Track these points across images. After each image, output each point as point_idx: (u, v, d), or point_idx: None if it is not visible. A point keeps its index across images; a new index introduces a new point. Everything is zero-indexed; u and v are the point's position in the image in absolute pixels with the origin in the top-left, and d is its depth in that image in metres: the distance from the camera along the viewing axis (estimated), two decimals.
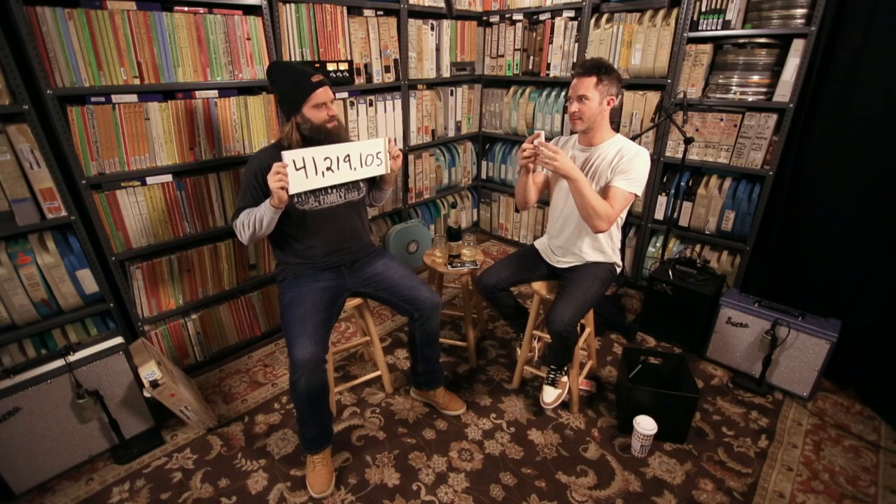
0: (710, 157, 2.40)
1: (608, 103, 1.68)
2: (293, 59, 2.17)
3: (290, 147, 1.58)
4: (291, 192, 1.48)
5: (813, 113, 2.07)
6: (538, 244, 2.04)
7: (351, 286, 1.76)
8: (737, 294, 2.17)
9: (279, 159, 1.45)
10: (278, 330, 2.46)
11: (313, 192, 1.64)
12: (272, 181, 1.43)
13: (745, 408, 1.97)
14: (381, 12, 2.51)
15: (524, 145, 1.67)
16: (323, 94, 1.59)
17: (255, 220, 1.53)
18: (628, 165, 1.66)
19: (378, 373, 2.02)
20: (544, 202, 3.20)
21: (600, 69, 1.64)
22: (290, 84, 1.59)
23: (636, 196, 1.69)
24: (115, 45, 1.67)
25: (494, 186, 3.51)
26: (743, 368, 2.14)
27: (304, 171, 1.50)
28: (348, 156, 1.59)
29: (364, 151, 1.63)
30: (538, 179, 2.00)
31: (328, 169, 1.56)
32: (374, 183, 1.88)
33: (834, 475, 1.67)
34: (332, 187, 1.67)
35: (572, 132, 1.83)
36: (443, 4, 2.76)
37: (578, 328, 1.84)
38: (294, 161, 1.47)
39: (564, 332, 1.68)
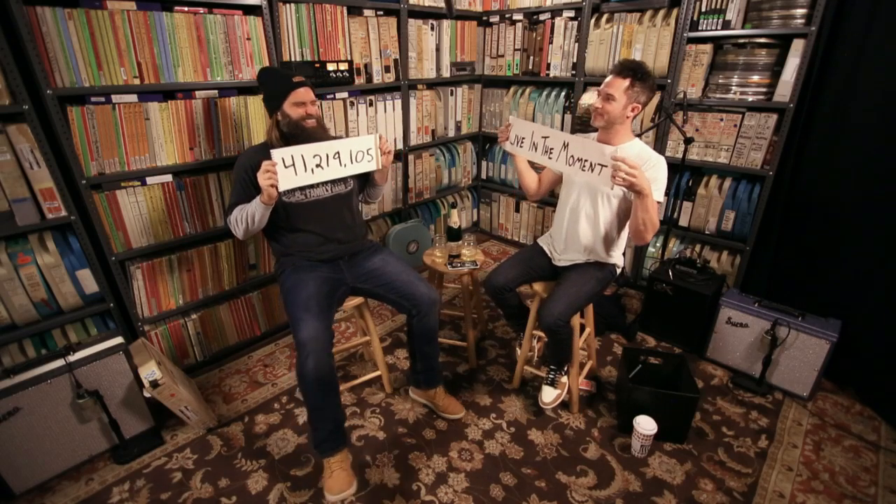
0: (710, 157, 2.40)
1: (633, 110, 1.65)
2: (293, 59, 2.17)
3: (272, 144, 1.64)
4: (281, 188, 1.51)
5: (813, 113, 2.07)
6: (542, 242, 2.03)
7: (349, 281, 1.77)
8: (737, 294, 2.17)
9: (267, 156, 1.48)
10: (278, 330, 2.46)
11: (300, 186, 1.67)
12: (261, 179, 1.47)
13: (745, 408, 1.97)
14: (381, 12, 2.51)
15: (500, 130, 1.84)
16: (303, 93, 1.67)
17: (247, 216, 1.59)
18: (655, 174, 1.63)
19: (378, 373, 2.02)
20: (544, 202, 3.20)
21: (636, 73, 1.61)
22: (273, 84, 1.69)
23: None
24: (115, 45, 1.67)
25: (494, 186, 3.51)
26: (743, 368, 2.14)
27: (294, 169, 1.52)
28: (338, 153, 1.62)
29: (354, 148, 1.65)
30: (546, 175, 1.99)
31: (317, 166, 1.58)
32: (367, 180, 1.90)
33: (834, 475, 1.67)
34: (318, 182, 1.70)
35: (591, 128, 1.82)
36: (443, 4, 2.76)
37: (578, 328, 1.84)
38: (283, 159, 1.49)
39: (554, 327, 1.68)
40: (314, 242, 1.74)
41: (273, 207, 1.60)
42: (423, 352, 1.85)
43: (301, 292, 1.61)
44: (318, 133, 1.70)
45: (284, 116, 1.66)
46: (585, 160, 1.55)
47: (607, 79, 1.67)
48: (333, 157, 1.61)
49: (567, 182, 1.89)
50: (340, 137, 1.67)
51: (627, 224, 1.75)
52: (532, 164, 1.95)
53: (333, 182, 1.75)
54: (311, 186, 1.71)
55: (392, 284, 1.76)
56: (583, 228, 1.81)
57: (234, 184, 1.70)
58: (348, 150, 1.64)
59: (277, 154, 1.48)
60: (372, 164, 1.71)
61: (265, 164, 1.47)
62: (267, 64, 2.07)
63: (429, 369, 1.88)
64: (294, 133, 1.67)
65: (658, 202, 1.61)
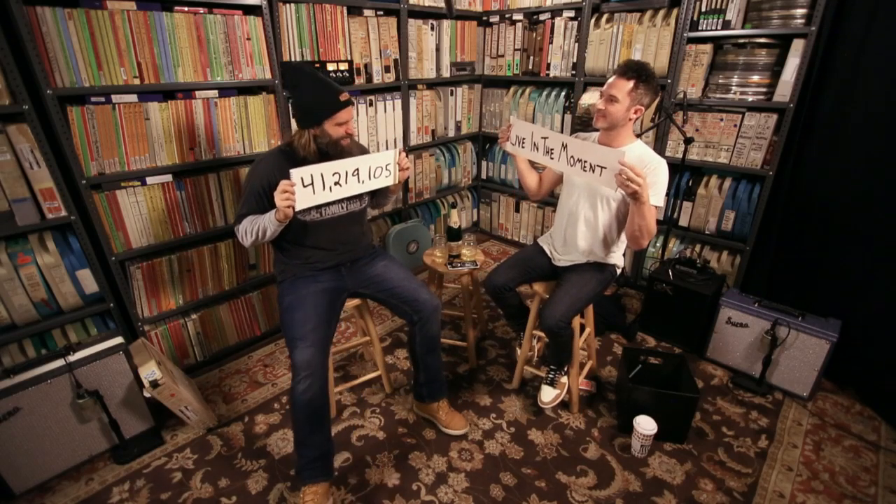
0: (710, 157, 2.40)
1: (636, 112, 1.62)
2: (293, 60, 2.17)
3: (304, 156, 1.57)
4: (298, 208, 1.46)
5: (813, 113, 2.07)
6: (542, 242, 2.02)
7: (350, 287, 1.76)
8: (737, 294, 2.17)
9: (286, 168, 1.42)
10: (278, 330, 2.46)
11: (317, 205, 1.62)
12: (279, 199, 1.41)
13: (745, 408, 1.97)
14: (381, 12, 2.51)
15: (501, 131, 1.82)
16: (346, 113, 1.57)
17: (258, 230, 1.52)
18: (654, 178, 1.60)
19: (378, 373, 2.02)
20: (545, 202, 3.20)
21: (640, 75, 1.57)
22: (316, 97, 1.55)
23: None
24: (115, 45, 1.67)
25: (494, 186, 3.51)
26: (743, 368, 2.14)
27: (312, 188, 1.47)
28: (357, 169, 1.57)
29: (374, 164, 1.61)
30: (547, 175, 1.99)
31: (336, 184, 1.53)
32: (378, 190, 1.87)
33: (834, 475, 1.67)
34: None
35: (591, 128, 1.81)
36: (443, 4, 2.76)
37: (578, 328, 1.84)
38: (302, 178, 1.43)
39: (555, 328, 1.67)
40: (321, 257, 1.71)
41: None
42: (426, 362, 1.80)
43: (297, 313, 1.57)
44: (352, 151, 1.66)
45: (324, 135, 1.57)
46: (585, 161, 1.54)
47: (610, 79, 1.63)
48: (352, 174, 1.56)
49: (567, 184, 1.88)
50: (368, 151, 1.64)
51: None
52: (533, 164, 1.95)
53: (349, 200, 1.70)
54: (328, 205, 1.65)
55: (394, 290, 1.75)
56: (581, 231, 1.80)
57: (246, 192, 1.61)
58: (367, 166, 1.59)
59: (297, 174, 1.41)
60: (389, 178, 1.67)
61: (283, 185, 1.40)
62: (267, 64, 2.06)
63: (431, 381, 1.83)
64: (331, 152, 1.60)
65: (657, 206, 1.60)
